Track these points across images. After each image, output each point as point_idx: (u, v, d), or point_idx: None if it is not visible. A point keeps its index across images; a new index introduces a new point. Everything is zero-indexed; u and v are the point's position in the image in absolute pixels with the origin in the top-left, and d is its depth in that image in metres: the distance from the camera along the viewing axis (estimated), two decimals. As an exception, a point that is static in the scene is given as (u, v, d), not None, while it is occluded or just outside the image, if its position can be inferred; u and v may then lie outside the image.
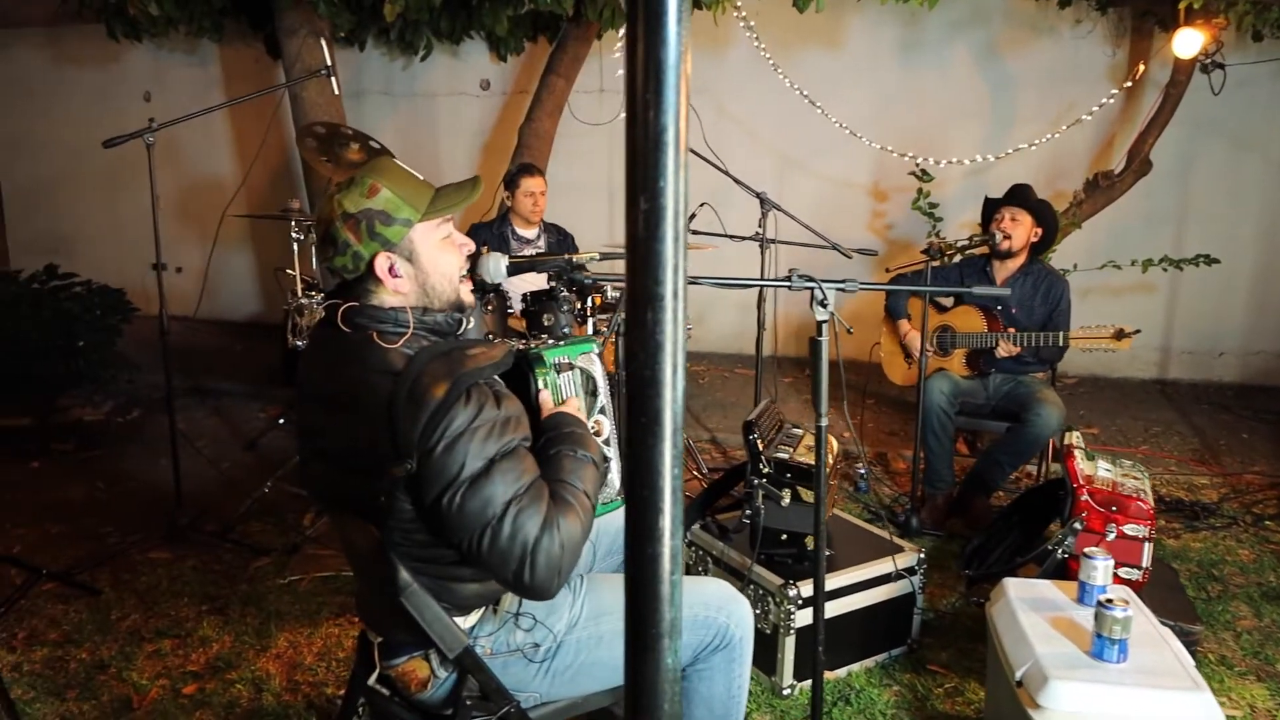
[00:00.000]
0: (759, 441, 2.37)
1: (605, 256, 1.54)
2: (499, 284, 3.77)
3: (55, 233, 8.14)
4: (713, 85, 6.13)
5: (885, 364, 3.94)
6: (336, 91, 3.51)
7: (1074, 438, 2.68)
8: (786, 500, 2.33)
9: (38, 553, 3.25)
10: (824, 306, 1.63)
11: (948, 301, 3.75)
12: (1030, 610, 2.00)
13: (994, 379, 3.63)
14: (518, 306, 3.52)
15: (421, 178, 1.57)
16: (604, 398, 1.95)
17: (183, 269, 7.39)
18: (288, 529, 3.46)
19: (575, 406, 1.71)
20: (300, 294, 3.78)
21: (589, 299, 3.49)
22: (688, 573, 2.66)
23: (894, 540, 2.60)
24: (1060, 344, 3.30)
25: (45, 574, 2.97)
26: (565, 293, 3.30)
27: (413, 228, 1.51)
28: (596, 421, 1.95)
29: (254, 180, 7.03)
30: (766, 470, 2.33)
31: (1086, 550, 2.06)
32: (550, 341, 1.85)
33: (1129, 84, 4.82)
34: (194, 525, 3.36)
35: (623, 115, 0.49)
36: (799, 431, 2.56)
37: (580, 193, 6.28)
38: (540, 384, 1.76)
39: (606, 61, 6.31)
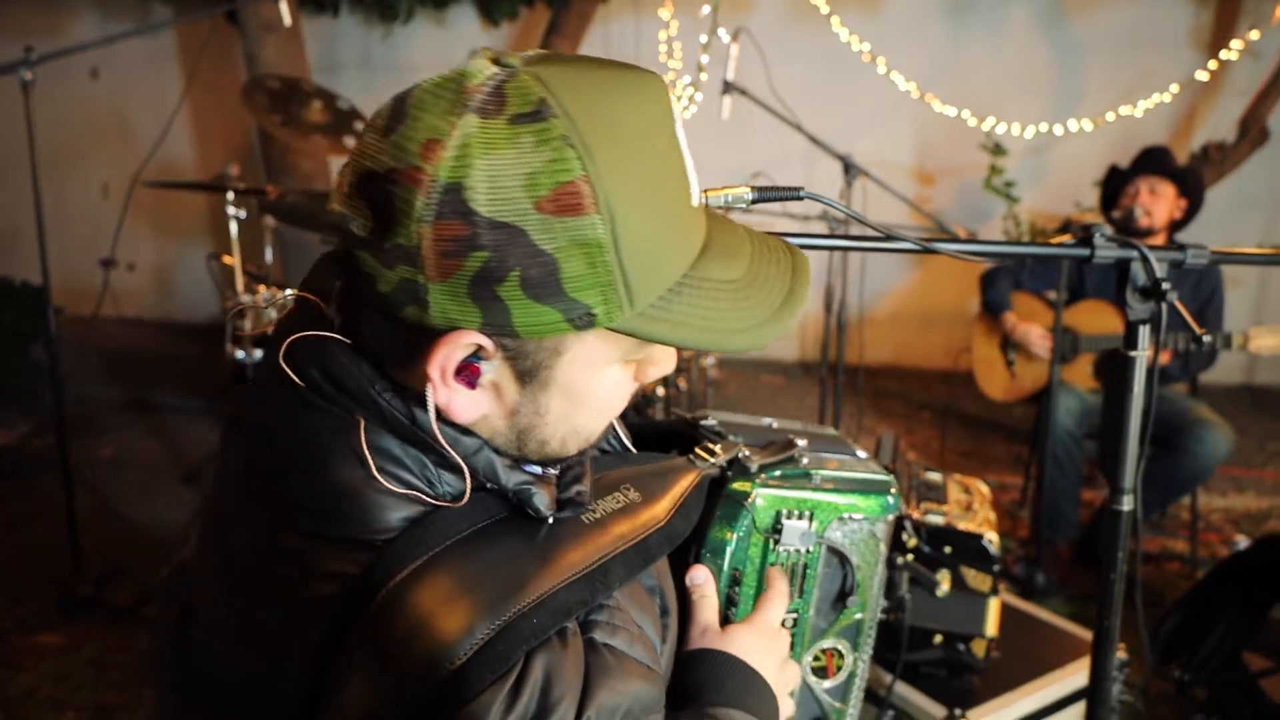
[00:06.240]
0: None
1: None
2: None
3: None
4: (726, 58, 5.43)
5: (980, 373, 3.18)
6: (288, 22, 2.74)
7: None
8: (945, 588, 1.57)
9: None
10: (1148, 297, 0.86)
11: (1054, 294, 3.01)
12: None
13: (1124, 393, 2.88)
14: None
15: (694, 185, 0.66)
16: (865, 638, 0.97)
17: (135, 265, 6.59)
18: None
19: (782, 649, 0.86)
20: (243, 289, 2.89)
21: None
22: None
23: (1067, 628, 1.85)
24: (1237, 346, 2.54)
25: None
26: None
27: (590, 331, 0.61)
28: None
29: (210, 160, 6.26)
30: (913, 542, 1.57)
31: None
32: (759, 459, 0.89)
33: (1253, 36, 4.06)
34: (100, 596, 2.55)
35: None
36: (938, 478, 1.80)
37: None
38: (725, 556, 0.85)
39: (614, 29, 5.52)
